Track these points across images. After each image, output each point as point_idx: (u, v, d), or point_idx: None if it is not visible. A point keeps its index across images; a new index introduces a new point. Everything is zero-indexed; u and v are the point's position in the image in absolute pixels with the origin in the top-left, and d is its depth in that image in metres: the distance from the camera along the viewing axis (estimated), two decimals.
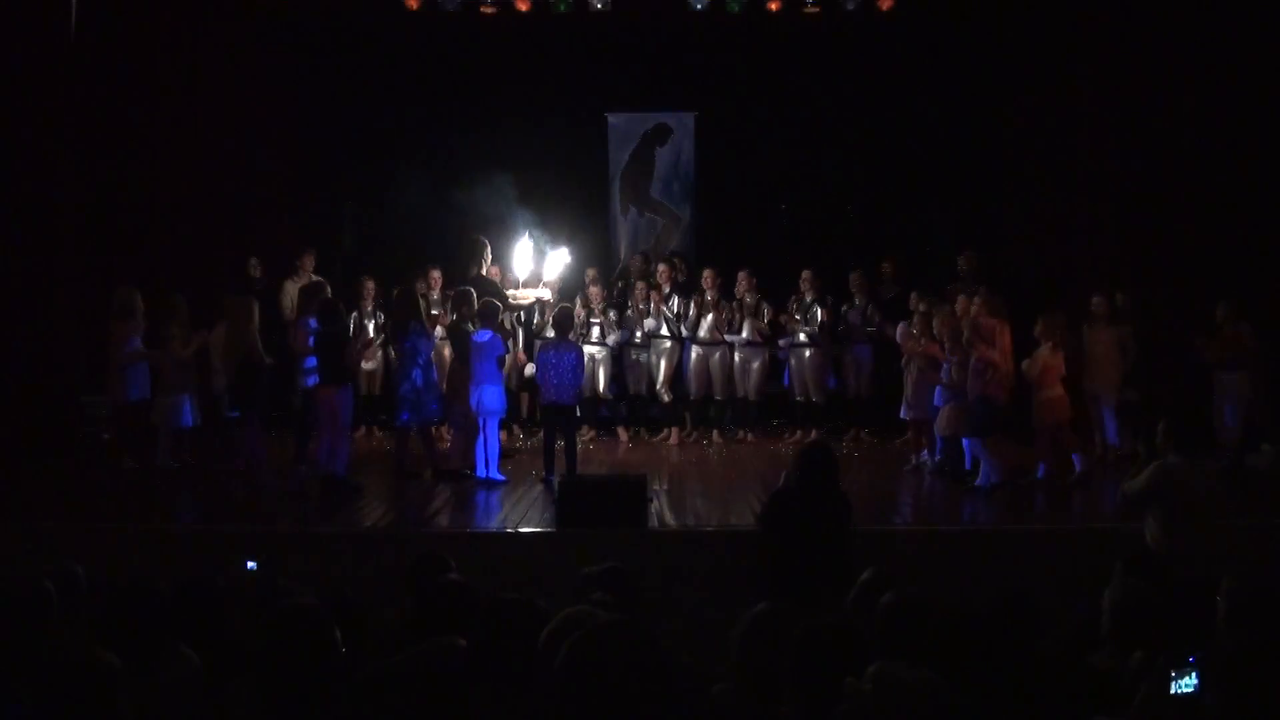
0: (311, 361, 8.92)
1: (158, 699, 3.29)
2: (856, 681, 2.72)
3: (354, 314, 10.38)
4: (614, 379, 11.10)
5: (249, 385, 8.51)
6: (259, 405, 8.62)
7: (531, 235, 10.20)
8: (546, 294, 10.34)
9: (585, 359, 10.81)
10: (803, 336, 10.71)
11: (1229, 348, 8.98)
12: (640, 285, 11.12)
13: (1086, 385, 9.51)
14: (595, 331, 10.89)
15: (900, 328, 9.55)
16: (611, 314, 10.93)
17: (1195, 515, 5.67)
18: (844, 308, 10.84)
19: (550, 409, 8.81)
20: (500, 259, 10.40)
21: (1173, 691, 3.04)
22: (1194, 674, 3.07)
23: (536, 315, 10.76)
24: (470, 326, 8.85)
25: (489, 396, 8.58)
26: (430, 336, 9.22)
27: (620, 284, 11.50)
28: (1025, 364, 8.57)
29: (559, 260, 10.47)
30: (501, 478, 8.64)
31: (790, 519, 5.57)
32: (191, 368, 9.24)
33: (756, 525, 6.20)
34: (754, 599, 3.67)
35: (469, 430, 8.88)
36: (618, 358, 11.04)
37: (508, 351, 8.95)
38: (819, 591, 4.83)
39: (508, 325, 10.02)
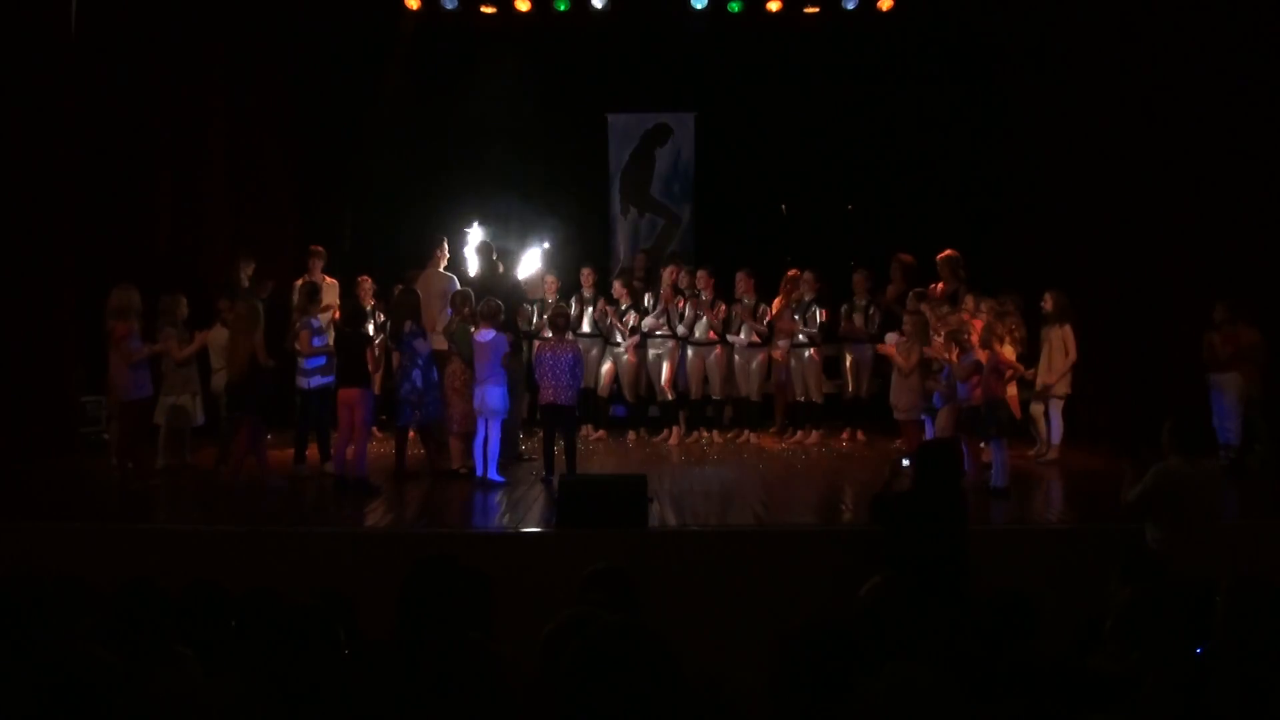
0: (312, 362, 8.93)
1: (157, 699, 3.29)
2: (870, 682, 2.72)
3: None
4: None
5: (251, 389, 8.49)
6: (259, 409, 8.60)
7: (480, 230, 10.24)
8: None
9: (607, 358, 10.92)
10: (802, 337, 10.72)
11: (1228, 348, 8.99)
12: (626, 287, 11.18)
13: (1033, 379, 9.58)
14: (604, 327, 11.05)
15: (892, 337, 9.58)
16: (633, 315, 10.95)
17: (1197, 517, 5.62)
18: (843, 307, 10.84)
19: (549, 409, 8.81)
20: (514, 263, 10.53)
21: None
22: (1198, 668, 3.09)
23: (535, 315, 10.81)
24: (471, 327, 8.87)
25: (491, 396, 8.57)
26: (428, 337, 9.20)
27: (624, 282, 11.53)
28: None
29: (532, 260, 10.52)
30: (501, 479, 8.63)
31: (910, 518, 5.50)
32: (193, 368, 9.23)
33: (871, 523, 6.12)
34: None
35: (468, 431, 8.89)
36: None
37: (510, 350, 8.96)
38: (938, 594, 4.82)
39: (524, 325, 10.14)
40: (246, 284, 10.23)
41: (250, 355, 8.41)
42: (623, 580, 3.99)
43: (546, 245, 10.89)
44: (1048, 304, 9.40)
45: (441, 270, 9.89)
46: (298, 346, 9.05)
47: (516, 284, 10.09)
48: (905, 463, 5.87)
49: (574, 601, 3.81)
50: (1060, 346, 9.41)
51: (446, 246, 10.05)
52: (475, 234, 10.21)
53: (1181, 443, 5.70)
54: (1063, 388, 9.43)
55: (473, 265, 9.95)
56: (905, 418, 9.17)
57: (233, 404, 8.74)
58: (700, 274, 10.94)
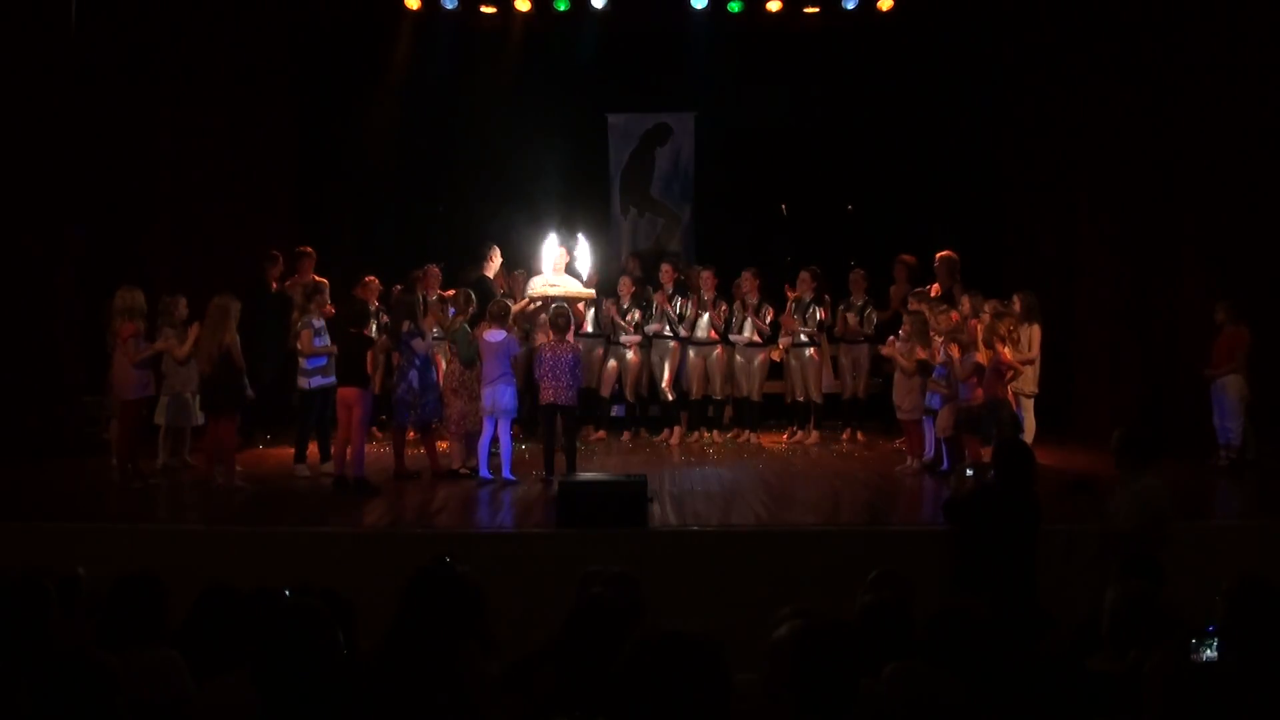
0: (313, 362, 8.94)
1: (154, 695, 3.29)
2: (873, 682, 2.71)
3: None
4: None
5: (226, 385, 8.45)
6: (233, 406, 8.57)
7: (558, 233, 10.30)
8: (591, 292, 10.37)
9: (611, 357, 10.91)
10: (803, 336, 10.72)
11: (1229, 349, 9.00)
12: (634, 284, 11.17)
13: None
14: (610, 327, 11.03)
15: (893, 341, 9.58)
16: (636, 313, 10.93)
17: (1165, 531, 5.39)
18: (840, 306, 10.84)
19: (549, 409, 8.81)
20: (518, 261, 10.56)
21: (1195, 658, 3.04)
22: (1214, 642, 3.08)
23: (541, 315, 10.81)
24: (469, 328, 8.89)
25: (503, 396, 8.59)
26: (426, 337, 9.21)
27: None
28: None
29: (584, 255, 10.44)
30: (513, 477, 8.65)
31: (986, 516, 5.47)
32: (192, 367, 9.21)
33: (945, 520, 6.11)
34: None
35: (467, 431, 8.90)
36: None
37: (520, 351, 8.99)
38: (1007, 588, 4.83)
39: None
40: (274, 286, 10.27)
41: (223, 352, 8.35)
42: (629, 585, 3.97)
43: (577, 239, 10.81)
44: (1015, 305, 9.43)
45: (492, 275, 10.07)
46: (299, 346, 9.04)
47: (491, 285, 10.23)
48: (970, 472, 5.90)
49: (574, 602, 3.80)
50: (1026, 346, 9.42)
51: (498, 251, 10.26)
52: (550, 246, 10.24)
53: (1145, 455, 5.53)
54: (1030, 386, 9.45)
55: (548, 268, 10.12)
56: (908, 417, 9.18)
57: (205, 402, 8.70)
58: (705, 274, 10.93)
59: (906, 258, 10.88)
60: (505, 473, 8.62)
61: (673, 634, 2.24)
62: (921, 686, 2.71)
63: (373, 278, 10.54)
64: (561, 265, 10.24)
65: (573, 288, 10.06)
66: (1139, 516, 5.41)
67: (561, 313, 9.26)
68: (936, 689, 2.73)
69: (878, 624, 3.45)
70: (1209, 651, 3.08)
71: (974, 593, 4.91)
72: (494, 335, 8.68)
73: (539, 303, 9.92)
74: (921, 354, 8.93)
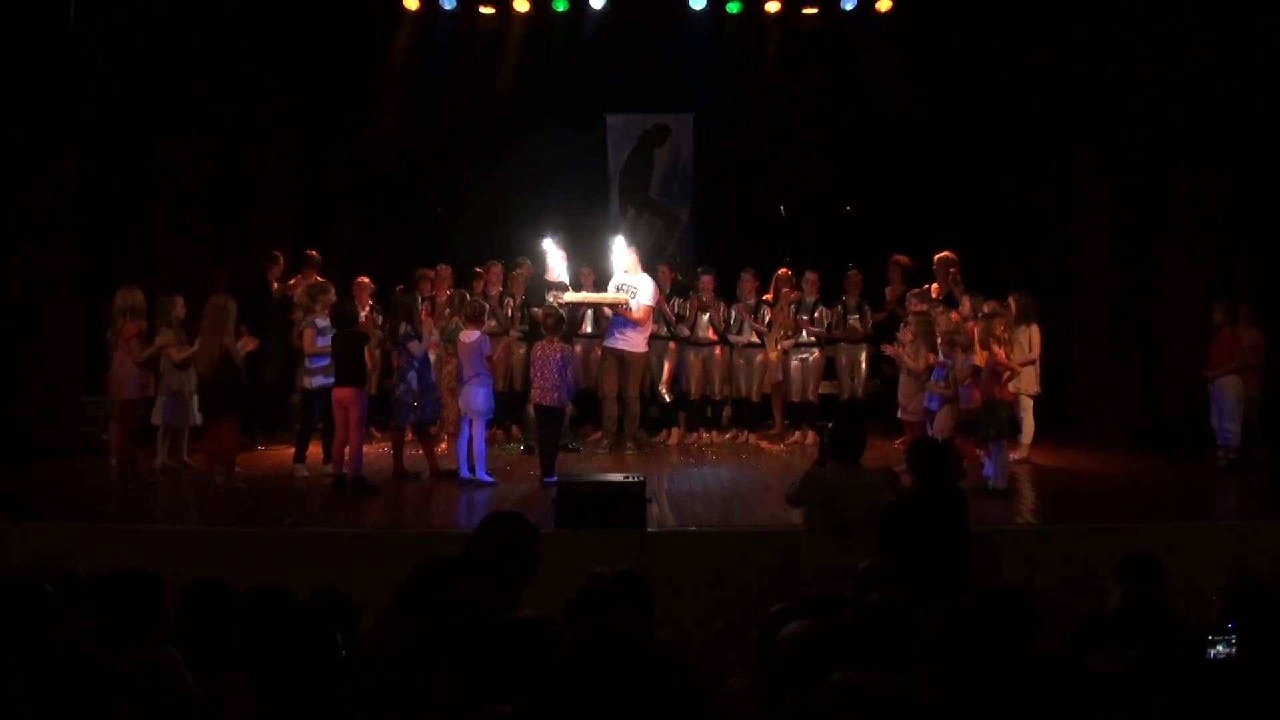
0: (316, 361, 8.94)
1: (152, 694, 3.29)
2: (818, 696, 2.69)
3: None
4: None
5: (222, 388, 8.44)
6: (233, 407, 8.56)
7: (553, 237, 10.32)
8: (625, 298, 10.29)
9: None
10: (805, 335, 10.70)
11: (1227, 350, 9.00)
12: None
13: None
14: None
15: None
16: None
17: (846, 528, 5.46)
18: (836, 307, 10.83)
19: (536, 409, 8.87)
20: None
21: (1210, 657, 3.04)
22: (1231, 639, 3.07)
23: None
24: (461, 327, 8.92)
25: (475, 396, 8.59)
26: (423, 339, 9.20)
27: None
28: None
29: (622, 254, 10.39)
30: (489, 479, 8.63)
31: (912, 521, 5.48)
32: (190, 368, 9.21)
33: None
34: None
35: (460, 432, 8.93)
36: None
37: (492, 351, 8.99)
38: (944, 593, 4.82)
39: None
40: (275, 285, 10.26)
41: (223, 354, 8.34)
42: (637, 585, 3.97)
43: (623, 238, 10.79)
44: (1011, 306, 9.44)
45: (552, 278, 10.29)
46: (303, 346, 9.04)
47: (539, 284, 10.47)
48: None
49: (576, 603, 3.80)
50: (1025, 347, 9.42)
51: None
52: (550, 245, 10.35)
53: (835, 450, 5.67)
54: (1031, 387, 9.44)
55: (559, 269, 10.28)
56: (911, 418, 9.15)
57: (205, 404, 8.69)
58: (704, 279, 10.91)
59: (900, 258, 10.88)
60: (480, 473, 8.61)
61: (600, 629, 2.22)
62: (863, 691, 2.69)
63: (365, 279, 10.54)
64: (635, 267, 10.26)
65: (622, 290, 10.15)
66: (798, 488, 5.84)
67: (550, 312, 9.25)
68: (878, 692, 2.70)
69: (883, 624, 3.45)
70: (1223, 647, 3.08)
71: (920, 597, 4.88)
72: (468, 336, 8.69)
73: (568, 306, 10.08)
74: (931, 357, 8.90)
